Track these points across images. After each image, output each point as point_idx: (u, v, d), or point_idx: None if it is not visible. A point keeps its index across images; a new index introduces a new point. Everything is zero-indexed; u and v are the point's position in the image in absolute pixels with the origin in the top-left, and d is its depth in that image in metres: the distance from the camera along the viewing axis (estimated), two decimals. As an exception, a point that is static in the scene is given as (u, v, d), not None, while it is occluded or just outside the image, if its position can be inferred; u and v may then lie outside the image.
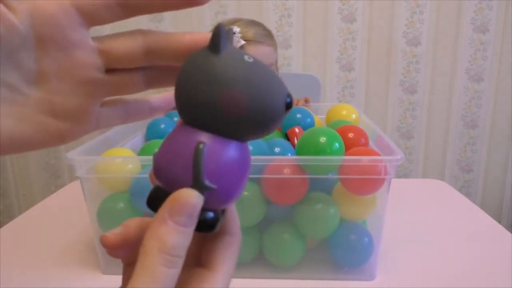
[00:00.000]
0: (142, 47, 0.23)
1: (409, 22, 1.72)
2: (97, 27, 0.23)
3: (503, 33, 1.73)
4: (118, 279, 0.24)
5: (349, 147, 0.61)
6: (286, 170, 0.57)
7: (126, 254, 0.24)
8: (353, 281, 0.60)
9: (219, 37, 0.21)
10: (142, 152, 0.68)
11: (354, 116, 0.80)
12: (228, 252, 0.23)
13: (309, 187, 0.58)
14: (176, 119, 0.83)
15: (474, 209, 0.85)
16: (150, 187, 0.23)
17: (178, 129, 0.22)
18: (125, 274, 0.25)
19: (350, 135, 0.65)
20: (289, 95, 0.23)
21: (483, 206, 1.42)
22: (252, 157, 0.24)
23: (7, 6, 0.20)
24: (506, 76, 1.76)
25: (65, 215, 0.83)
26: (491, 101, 1.80)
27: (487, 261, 0.65)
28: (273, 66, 1.24)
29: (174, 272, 0.20)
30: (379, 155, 0.57)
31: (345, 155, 0.59)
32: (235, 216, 0.25)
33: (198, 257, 0.24)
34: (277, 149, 0.62)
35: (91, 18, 0.22)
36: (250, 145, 0.59)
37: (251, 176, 0.26)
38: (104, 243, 0.23)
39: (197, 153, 0.21)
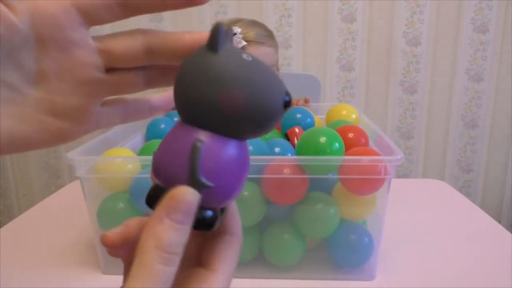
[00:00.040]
0: (142, 46, 0.23)
1: (409, 22, 1.72)
2: (97, 27, 0.23)
3: (503, 33, 1.73)
4: (118, 279, 0.24)
5: (349, 147, 0.61)
6: (286, 170, 0.57)
7: (126, 253, 0.24)
8: (353, 281, 0.60)
9: (217, 36, 0.21)
10: (142, 152, 0.67)
11: (354, 116, 0.80)
12: (228, 252, 0.23)
13: (309, 187, 0.58)
14: (176, 119, 0.82)
15: (474, 209, 0.85)
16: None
17: (177, 127, 0.22)
18: (125, 273, 0.25)
19: (350, 135, 0.65)
20: (287, 93, 0.23)
21: (483, 206, 1.42)
22: (252, 157, 0.24)
23: (7, 5, 0.20)
24: (506, 76, 1.76)
25: (65, 215, 0.83)
26: (491, 101, 1.80)
27: (487, 261, 0.65)
28: (274, 66, 1.24)
29: (171, 270, 0.20)
30: (379, 155, 0.57)
31: (345, 155, 0.59)
32: (236, 216, 0.25)
33: (198, 257, 0.24)
34: (277, 149, 0.62)
35: (91, 18, 0.22)
36: (250, 145, 0.59)
37: (251, 176, 0.26)
38: (105, 242, 0.23)
39: (193, 151, 0.21)
